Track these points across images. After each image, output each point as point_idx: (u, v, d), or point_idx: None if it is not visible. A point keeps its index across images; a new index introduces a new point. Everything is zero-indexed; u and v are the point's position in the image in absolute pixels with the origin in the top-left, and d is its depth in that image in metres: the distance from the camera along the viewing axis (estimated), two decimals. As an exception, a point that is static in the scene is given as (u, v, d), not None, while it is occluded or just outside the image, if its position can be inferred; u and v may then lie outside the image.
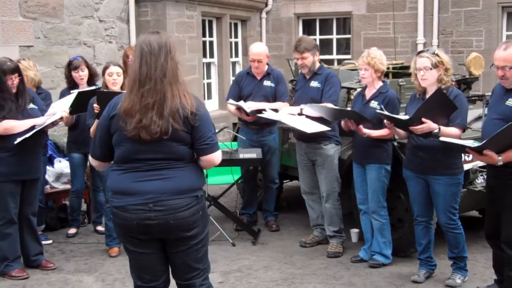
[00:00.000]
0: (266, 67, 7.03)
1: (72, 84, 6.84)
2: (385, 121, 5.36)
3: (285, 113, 6.38)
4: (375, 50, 5.81)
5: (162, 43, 3.43)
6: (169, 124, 3.38)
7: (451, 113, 5.05)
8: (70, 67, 6.84)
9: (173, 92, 3.40)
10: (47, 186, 7.30)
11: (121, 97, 3.52)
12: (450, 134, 4.96)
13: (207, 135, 3.52)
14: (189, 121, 3.43)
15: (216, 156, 3.61)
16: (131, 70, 3.53)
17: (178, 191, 3.47)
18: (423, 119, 5.00)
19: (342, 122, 5.84)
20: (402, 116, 5.27)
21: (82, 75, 6.77)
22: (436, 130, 5.00)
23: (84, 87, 6.71)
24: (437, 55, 5.18)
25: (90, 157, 3.77)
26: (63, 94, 6.77)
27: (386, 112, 5.34)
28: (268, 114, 6.38)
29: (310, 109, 6.05)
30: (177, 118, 3.39)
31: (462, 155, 5.31)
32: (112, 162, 3.69)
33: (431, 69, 5.16)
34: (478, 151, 4.57)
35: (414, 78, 5.33)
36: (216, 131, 6.66)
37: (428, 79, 5.20)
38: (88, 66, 6.92)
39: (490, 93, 5.06)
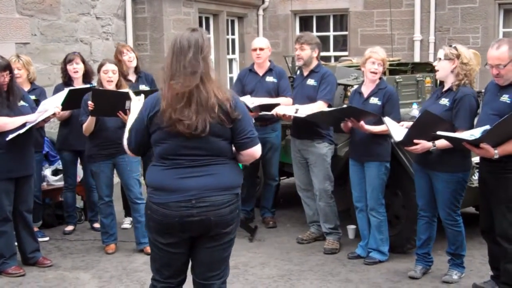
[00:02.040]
0: (268, 63, 7.05)
1: (67, 78, 6.83)
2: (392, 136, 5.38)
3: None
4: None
5: (192, 41, 3.45)
6: (207, 120, 3.39)
7: (445, 126, 5.05)
8: (66, 60, 6.85)
9: (206, 89, 3.41)
10: (44, 183, 7.29)
11: (157, 96, 3.52)
12: (448, 145, 4.96)
13: (247, 128, 3.56)
14: (230, 116, 3.46)
15: (257, 150, 3.65)
16: (165, 66, 3.54)
17: (220, 188, 3.51)
18: (415, 141, 5.02)
19: (342, 124, 5.82)
20: (396, 134, 5.23)
21: (76, 67, 6.75)
22: (433, 148, 5.04)
23: (79, 82, 6.71)
24: (454, 48, 5.21)
25: (125, 146, 3.73)
26: (57, 89, 6.76)
27: (387, 122, 5.34)
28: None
29: (304, 109, 6.04)
30: (216, 114, 3.41)
31: (470, 153, 5.30)
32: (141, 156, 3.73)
33: (440, 59, 5.22)
34: (475, 144, 4.59)
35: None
36: None
37: (439, 70, 5.27)
38: (84, 62, 6.90)
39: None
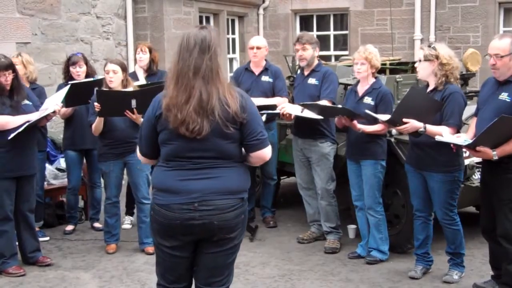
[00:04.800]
0: (264, 62, 7.05)
1: (69, 79, 6.84)
2: (379, 119, 5.39)
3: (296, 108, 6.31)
4: (371, 46, 5.83)
5: (199, 39, 3.36)
6: (210, 122, 3.31)
7: (437, 109, 5.06)
8: (69, 62, 6.86)
9: (208, 90, 3.32)
10: (44, 183, 7.29)
11: (164, 94, 3.45)
12: (438, 133, 4.94)
13: (257, 130, 3.44)
14: (237, 119, 3.36)
15: (267, 152, 3.53)
16: (172, 64, 3.48)
17: (225, 191, 3.41)
18: (405, 120, 5.02)
19: (336, 119, 5.85)
20: (383, 117, 5.29)
21: (79, 71, 6.77)
22: (422, 129, 5.02)
23: None
24: (433, 48, 5.20)
25: (137, 153, 3.67)
26: (60, 88, 6.77)
27: (371, 113, 5.37)
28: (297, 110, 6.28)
29: (307, 110, 6.04)
30: (219, 117, 3.31)
31: (462, 152, 5.29)
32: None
33: (420, 61, 5.23)
34: (472, 148, 4.60)
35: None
36: None
37: (420, 71, 5.29)
38: (87, 64, 6.92)
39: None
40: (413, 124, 5.02)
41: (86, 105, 6.44)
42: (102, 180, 7.10)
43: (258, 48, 6.95)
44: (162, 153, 3.50)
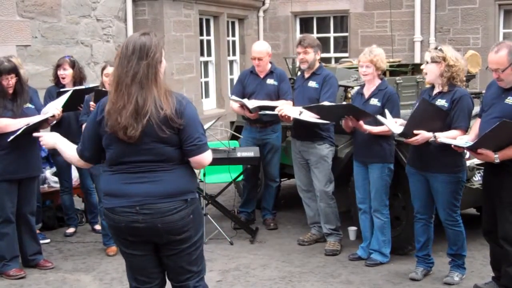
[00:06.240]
0: (269, 65, 7.05)
1: (56, 81, 6.86)
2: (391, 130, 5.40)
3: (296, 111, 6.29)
4: (376, 48, 5.83)
5: (138, 46, 3.36)
6: (146, 127, 3.32)
7: (443, 118, 5.06)
8: (57, 64, 6.89)
9: (145, 96, 3.32)
10: (45, 186, 7.30)
11: (106, 99, 3.48)
12: (449, 137, 4.96)
13: (193, 136, 3.43)
14: (172, 124, 3.36)
15: (205, 157, 3.52)
16: (113, 69, 3.51)
17: (165, 195, 3.41)
18: (415, 131, 5.03)
19: (343, 122, 5.83)
20: (395, 129, 5.29)
21: (62, 73, 6.76)
22: (432, 139, 5.03)
23: (70, 86, 6.68)
24: (440, 50, 5.20)
25: (76, 157, 3.67)
26: (49, 91, 6.80)
27: (382, 119, 5.38)
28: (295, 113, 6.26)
29: (308, 113, 6.03)
30: (155, 121, 3.32)
31: (464, 153, 5.29)
32: (98, 164, 3.72)
33: (427, 63, 5.23)
34: (473, 150, 4.60)
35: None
36: (209, 124, 6.60)
37: (427, 74, 5.28)
38: (74, 67, 6.84)
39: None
40: (423, 135, 5.04)
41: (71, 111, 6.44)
42: (94, 185, 7.11)
43: (259, 59, 6.94)
44: (106, 158, 3.54)
